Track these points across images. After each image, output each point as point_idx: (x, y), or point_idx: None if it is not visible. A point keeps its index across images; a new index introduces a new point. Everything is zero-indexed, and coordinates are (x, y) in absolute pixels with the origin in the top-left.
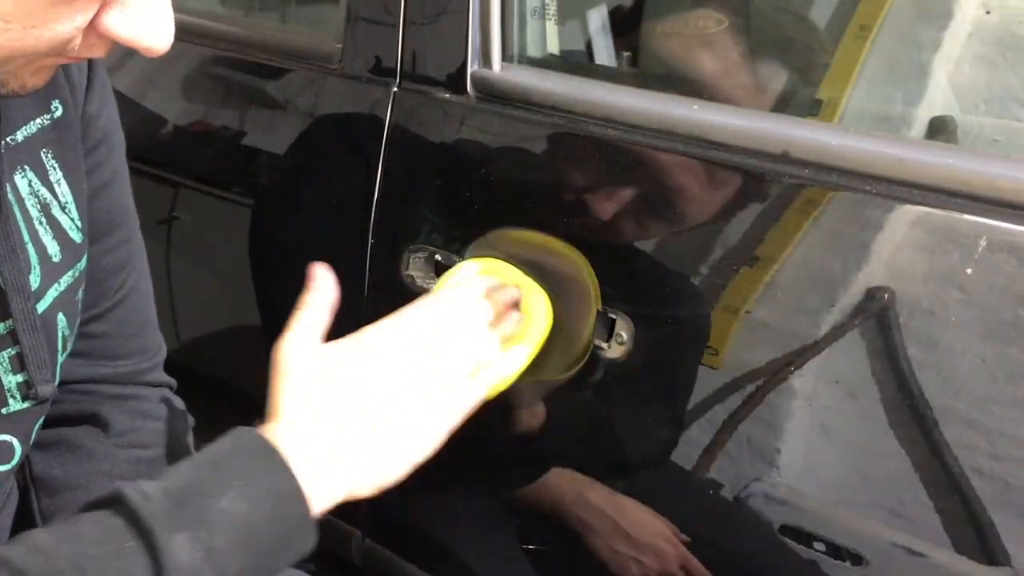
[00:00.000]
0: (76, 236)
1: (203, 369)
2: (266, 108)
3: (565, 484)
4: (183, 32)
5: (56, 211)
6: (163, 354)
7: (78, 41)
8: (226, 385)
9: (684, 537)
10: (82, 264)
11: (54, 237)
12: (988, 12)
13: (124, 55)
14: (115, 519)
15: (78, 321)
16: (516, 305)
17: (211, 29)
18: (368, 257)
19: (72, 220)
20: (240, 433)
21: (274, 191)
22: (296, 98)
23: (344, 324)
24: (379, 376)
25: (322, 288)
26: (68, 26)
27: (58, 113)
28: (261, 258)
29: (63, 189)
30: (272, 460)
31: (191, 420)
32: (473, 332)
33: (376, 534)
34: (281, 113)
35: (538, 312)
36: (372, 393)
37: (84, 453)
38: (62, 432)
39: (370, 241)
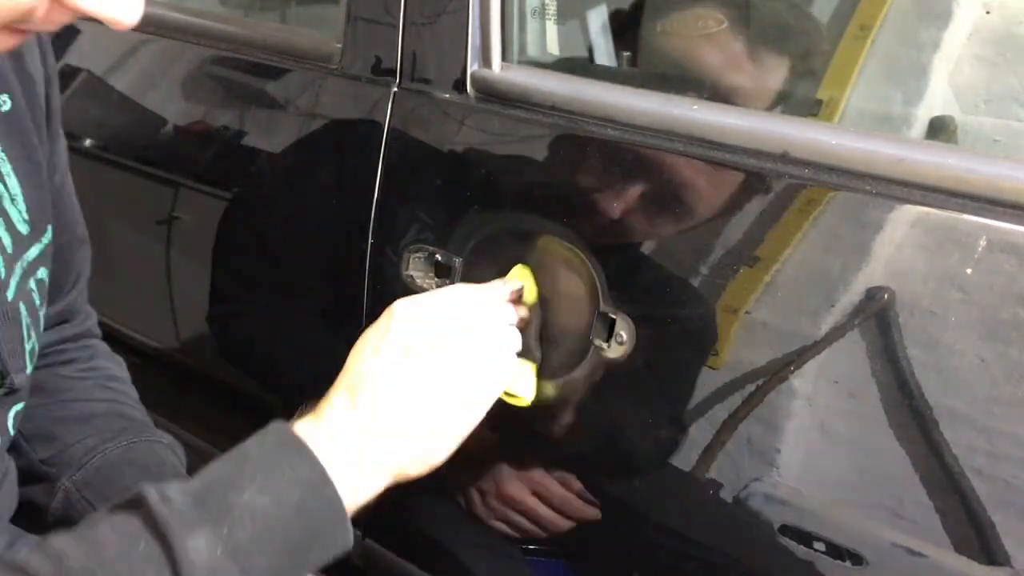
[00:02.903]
0: (23, 228)
1: (203, 369)
2: (266, 108)
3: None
4: (183, 32)
5: (7, 203)
6: (94, 316)
7: (41, 12)
8: (224, 384)
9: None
10: (29, 255)
11: (6, 229)
12: (988, 12)
13: (124, 55)
14: (133, 520)
15: (40, 311)
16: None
17: (211, 29)
18: (368, 257)
19: (20, 212)
20: (269, 427)
21: (274, 191)
22: (296, 98)
23: (343, 324)
24: (422, 350)
25: None
26: None
27: (6, 107)
28: (261, 258)
29: (12, 182)
30: (296, 450)
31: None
32: (501, 313)
33: (376, 534)
34: (281, 113)
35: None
36: (415, 368)
37: (51, 388)
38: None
39: (370, 241)
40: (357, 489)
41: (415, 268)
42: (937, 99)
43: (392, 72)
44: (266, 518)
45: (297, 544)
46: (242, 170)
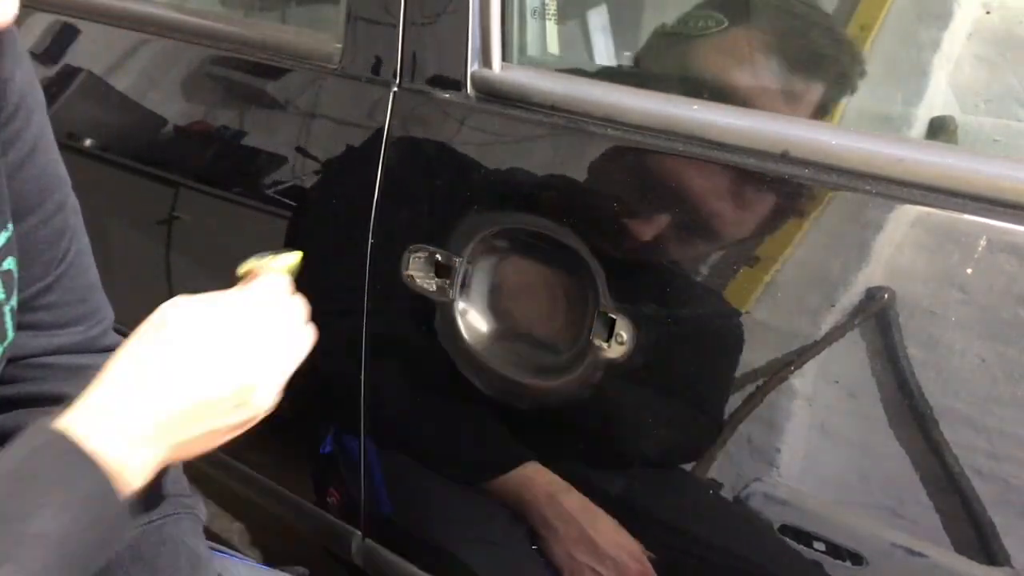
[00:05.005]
0: None
1: None
2: (266, 108)
3: (539, 484)
4: (183, 32)
5: None
6: (111, 317)
7: None
8: None
9: (651, 555)
10: None
11: None
12: (988, 12)
13: (124, 55)
14: None
15: (5, 306)
16: None
17: (211, 29)
18: (368, 257)
19: None
20: (39, 436)
21: (274, 191)
22: (296, 98)
23: (344, 324)
24: (204, 330)
25: None
26: None
27: None
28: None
29: None
30: (81, 463)
31: None
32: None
33: (376, 534)
34: (281, 113)
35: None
36: (196, 345)
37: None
38: (27, 415)
39: (370, 241)
40: (135, 478)
41: (415, 268)
42: (937, 99)
43: (392, 72)
44: (59, 543)
45: (87, 554)
46: (242, 170)
